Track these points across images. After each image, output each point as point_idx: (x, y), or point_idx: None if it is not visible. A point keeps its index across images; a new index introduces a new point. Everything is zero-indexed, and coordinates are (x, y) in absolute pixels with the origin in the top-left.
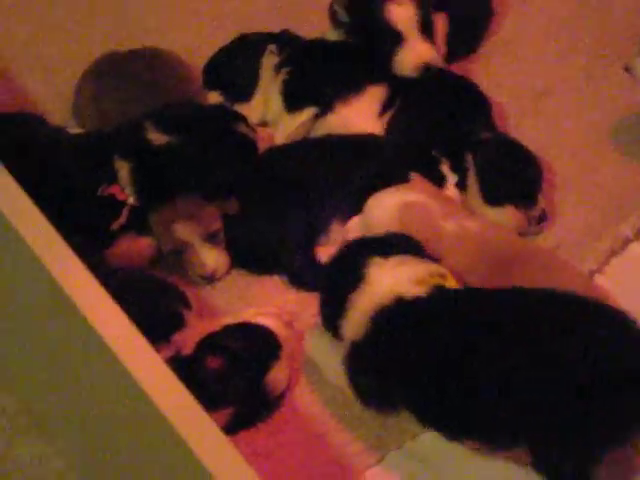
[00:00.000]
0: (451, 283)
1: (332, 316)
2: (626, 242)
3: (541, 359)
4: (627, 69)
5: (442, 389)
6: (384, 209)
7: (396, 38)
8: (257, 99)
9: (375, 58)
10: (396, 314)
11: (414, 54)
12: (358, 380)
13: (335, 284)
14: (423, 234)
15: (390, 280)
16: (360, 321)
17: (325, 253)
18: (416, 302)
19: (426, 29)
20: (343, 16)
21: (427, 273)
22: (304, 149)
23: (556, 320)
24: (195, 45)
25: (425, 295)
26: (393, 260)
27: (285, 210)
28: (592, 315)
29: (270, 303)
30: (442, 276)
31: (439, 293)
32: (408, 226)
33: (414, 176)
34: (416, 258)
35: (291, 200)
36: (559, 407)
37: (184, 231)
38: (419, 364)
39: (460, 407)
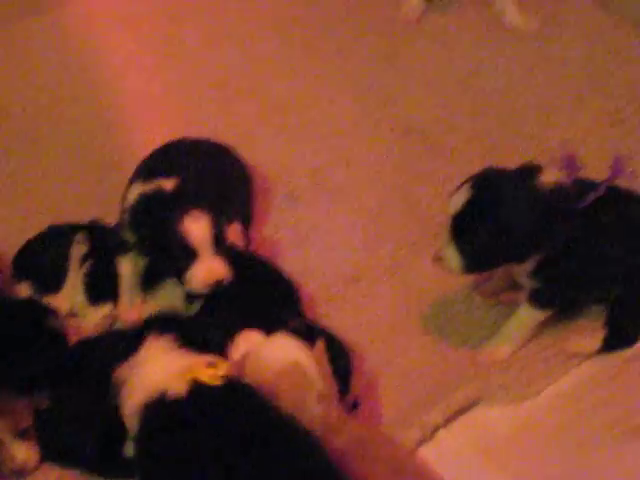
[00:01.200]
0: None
1: None
2: (436, 429)
3: None
4: (437, 259)
5: None
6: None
7: (191, 255)
8: (66, 290)
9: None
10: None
11: (206, 271)
12: None
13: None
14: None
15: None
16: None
17: None
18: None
19: (219, 243)
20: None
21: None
22: (111, 340)
23: None
24: (4, 235)
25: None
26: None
27: (92, 402)
28: None
29: None
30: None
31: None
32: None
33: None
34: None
35: (100, 392)
36: None
37: None
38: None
39: None
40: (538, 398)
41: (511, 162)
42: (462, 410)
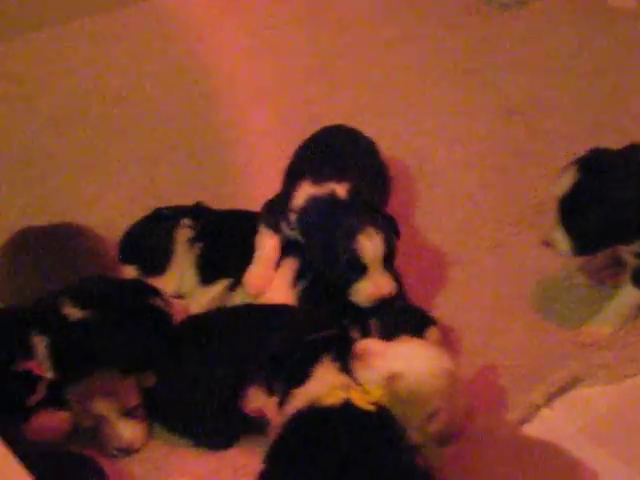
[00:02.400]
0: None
1: None
2: (536, 410)
3: None
4: (547, 243)
5: None
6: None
7: (361, 270)
8: (171, 272)
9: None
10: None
11: (374, 287)
12: None
13: None
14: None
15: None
16: None
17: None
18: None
19: (388, 261)
20: (297, 236)
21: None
22: (223, 316)
23: None
24: (111, 219)
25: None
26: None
27: (207, 372)
28: None
29: (188, 473)
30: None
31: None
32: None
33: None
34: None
35: (210, 364)
36: None
37: (101, 406)
38: None
39: None
40: (638, 377)
41: (615, 143)
42: (563, 389)
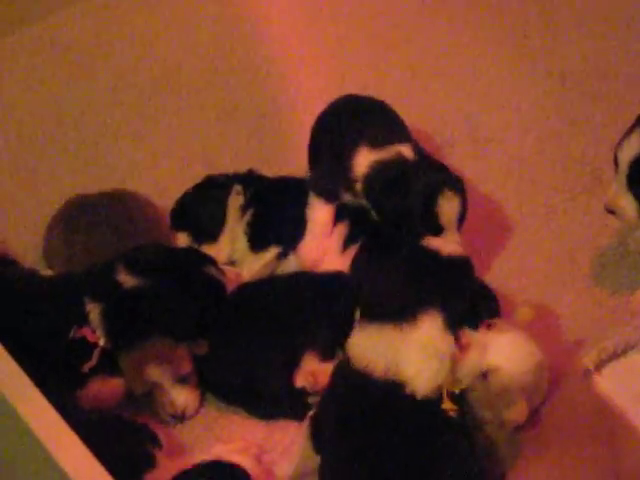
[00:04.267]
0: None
1: None
2: (587, 374)
3: None
4: (611, 211)
5: None
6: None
7: (437, 230)
8: (224, 239)
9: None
10: None
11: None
12: None
13: None
14: None
15: None
16: None
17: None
18: None
19: (461, 221)
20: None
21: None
22: (275, 284)
23: None
24: (163, 187)
25: None
26: None
27: (262, 339)
28: None
29: (238, 437)
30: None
31: None
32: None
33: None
34: None
35: (266, 331)
36: None
37: (155, 373)
38: None
39: None
40: None
41: None
42: (615, 356)
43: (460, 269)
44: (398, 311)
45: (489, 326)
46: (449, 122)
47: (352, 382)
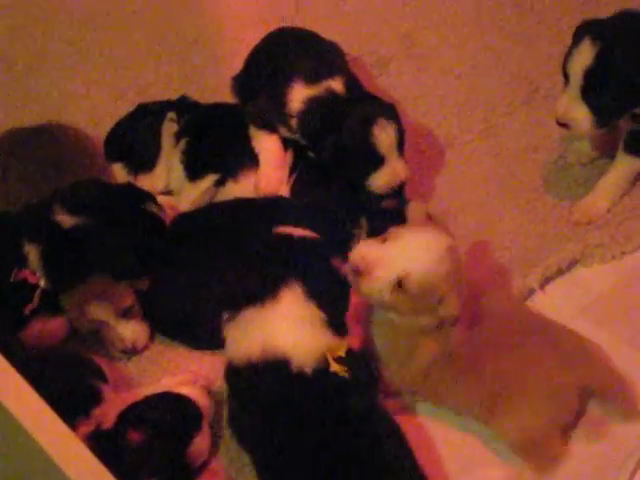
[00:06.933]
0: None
1: None
2: (531, 293)
3: None
4: (563, 125)
5: None
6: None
7: (378, 160)
8: (160, 168)
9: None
10: None
11: (391, 175)
12: None
13: None
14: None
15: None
16: None
17: None
18: None
19: (400, 148)
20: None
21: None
22: (212, 214)
23: None
24: (97, 117)
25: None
26: None
27: (201, 271)
28: None
29: (185, 369)
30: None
31: None
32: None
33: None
34: None
35: (205, 262)
36: None
37: (97, 311)
38: None
39: None
40: (637, 253)
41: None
42: (560, 272)
43: (312, 246)
44: (259, 293)
45: (384, 240)
46: (384, 41)
47: (246, 383)
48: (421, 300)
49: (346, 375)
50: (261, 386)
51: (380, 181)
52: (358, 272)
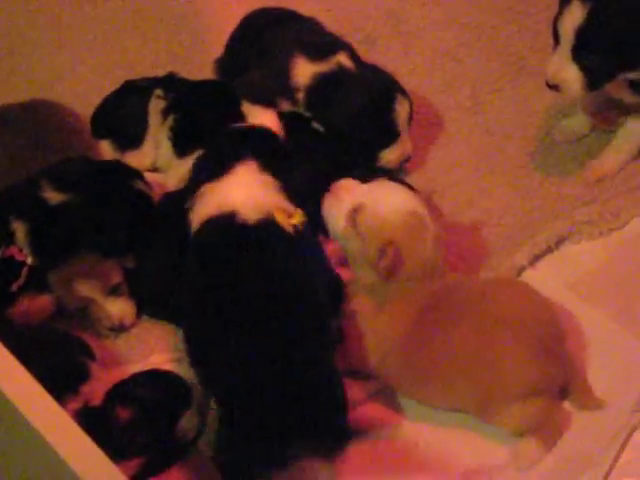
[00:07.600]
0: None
1: None
2: (520, 271)
3: None
4: (553, 87)
5: None
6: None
7: (394, 135)
8: (147, 145)
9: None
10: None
11: (403, 150)
12: None
13: None
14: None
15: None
16: None
17: None
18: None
19: (410, 122)
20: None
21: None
22: None
23: None
24: (84, 94)
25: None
26: None
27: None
28: None
29: (173, 347)
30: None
31: None
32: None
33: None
34: None
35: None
36: None
37: (85, 288)
38: None
39: None
40: (625, 229)
41: None
42: (549, 249)
43: (266, 131)
44: (217, 170)
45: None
46: (370, 18)
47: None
48: (366, 240)
49: (291, 230)
50: (213, 237)
51: (391, 155)
52: (330, 191)
